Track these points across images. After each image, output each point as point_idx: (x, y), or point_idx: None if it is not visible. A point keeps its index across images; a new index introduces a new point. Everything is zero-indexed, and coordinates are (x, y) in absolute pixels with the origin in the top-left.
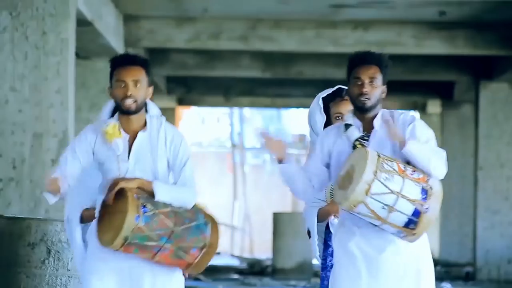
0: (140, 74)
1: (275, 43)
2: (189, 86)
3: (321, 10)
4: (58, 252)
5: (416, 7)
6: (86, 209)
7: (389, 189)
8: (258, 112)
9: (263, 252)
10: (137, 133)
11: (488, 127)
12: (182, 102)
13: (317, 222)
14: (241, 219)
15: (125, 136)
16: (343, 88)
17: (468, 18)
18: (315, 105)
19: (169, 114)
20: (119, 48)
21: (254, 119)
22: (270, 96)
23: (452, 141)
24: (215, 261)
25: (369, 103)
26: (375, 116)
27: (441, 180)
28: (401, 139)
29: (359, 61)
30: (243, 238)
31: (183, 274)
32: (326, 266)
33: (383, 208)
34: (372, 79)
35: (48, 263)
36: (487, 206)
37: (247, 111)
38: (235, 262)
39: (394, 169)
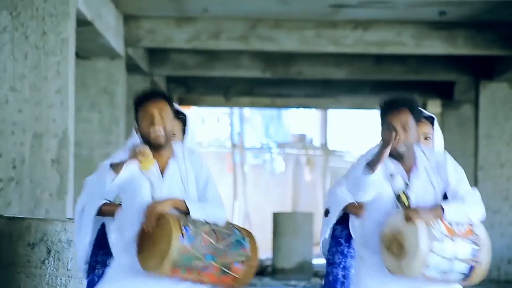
0: (165, 106)
1: (275, 43)
2: (189, 86)
3: (321, 10)
4: (58, 252)
5: (416, 7)
6: (106, 203)
7: (444, 257)
8: (258, 112)
9: (263, 252)
10: (167, 161)
11: (488, 127)
12: (182, 102)
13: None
14: (241, 219)
15: (156, 163)
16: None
17: (468, 18)
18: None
19: None
20: (119, 48)
21: (254, 119)
22: (270, 96)
23: (452, 141)
24: None
25: (405, 151)
26: (412, 161)
27: None
28: (437, 216)
29: (390, 107)
30: None
31: None
32: (334, 263)
33: (440, 273)
34: (405, 125)
35: (48, 263)
36: (487, 206)
37: (247, 111)
38: None
39: (443, 233)
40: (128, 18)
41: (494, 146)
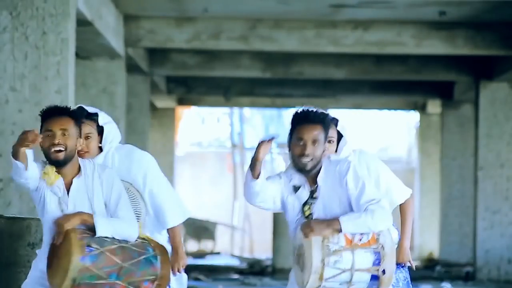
0: (68, 124)
1: (275, 43)
2: (189, 86)
3: (321, 10)
4: None
5: (416, 7)
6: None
7: (341, 269)
8: (258, 112)
9: (263, 252)
10: (71, 179)
11: (488, 127)
12: (182, 102)
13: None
14: (241, 219)
15: (61, 180)
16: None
17: (468, 18)
18: None
19: (169, 114)
20: (119, 48)
21: (254, 119)
22: (270, 96)
23: (452, 141)
24: (215, 261)
25: (310, 165)
26: (317, 171)
27: (441, 180)
28: (335, 230)
29: (301, 120)
30: (243, 238)
31: None
32: None
33: (340, 284)
34: (315, 140)
35: None
36: (487, 206)
37: (247, 111)
38: (235, 262)
39: (341, 246)
40: (128, 18)
41: (494, 146)
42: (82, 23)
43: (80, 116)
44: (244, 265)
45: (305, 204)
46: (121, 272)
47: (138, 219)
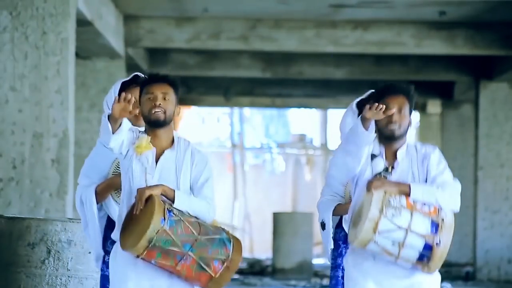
0: (169, 89)
1: (275, 43)
2: (189, 86)
3: (321, 10)
4: (58, 252)
5: (416, 7)
6: (98, 184)
7: (397, 225)
8: (258, 112)
9: (263, 252)
10: (163, 150)
11: (488, 127)
12: (182, 102)
13: (332, 215)
14: (241, 219)
15: (154, 150)
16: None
17: (468, 18)
18: (348, 111)
19: None
20: (119, 48)
21: (254, 119)
22: (270, 96)
23: (452, 141)
24: None
25: (398, 132)
26: (399, 146)
27: None
28: (401, 191)
29: (388, 90)
30: (243, 238)
31: None
32: (335, 266)
33: (393, 245)
34: (401, 109)
35: (48, 263)
36: (487, 206)
37: (247, 111)
38: None
39: (401, 204)
40: (128, 18)
41: (494, 146)
42: (82, 23)
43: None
44: (244, 265)
45: (378, 175)
46: (195, 245)
47: None
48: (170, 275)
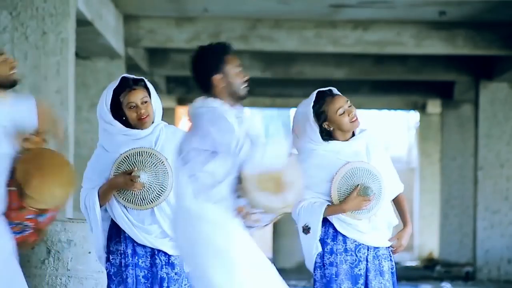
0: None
1: (275, 43)
2: (189, 86)
3: (321, 10)
4: (58, 252)
5: (416, 7)
6: (100, 186)
7: None
8: (258, 112)
9: (263, 252)
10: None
11: (488, 127)
12: (182, 102)
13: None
14: None
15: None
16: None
17: (468, 18)
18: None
19: (169, 114)
20: (119, 48)
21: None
22: (270, 96)
23: (452, 141)
24: None
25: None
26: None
27: (441, 180)
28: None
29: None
30: None
31: None
32: (324, 264)
33: None
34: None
35: (48, 263)
36: (487, 206)
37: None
38: None
39: None
40: (128, 18)
41: (494, 146)
42: (82, 23)
43: (146, 83)
44: None
45: None
46: None
47: (164, 192)
48: None
